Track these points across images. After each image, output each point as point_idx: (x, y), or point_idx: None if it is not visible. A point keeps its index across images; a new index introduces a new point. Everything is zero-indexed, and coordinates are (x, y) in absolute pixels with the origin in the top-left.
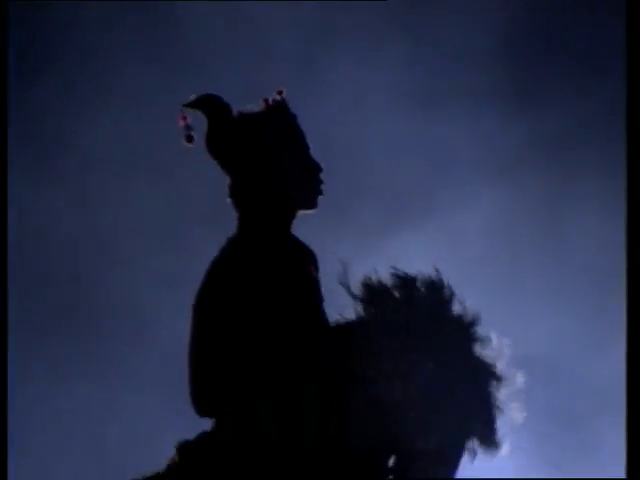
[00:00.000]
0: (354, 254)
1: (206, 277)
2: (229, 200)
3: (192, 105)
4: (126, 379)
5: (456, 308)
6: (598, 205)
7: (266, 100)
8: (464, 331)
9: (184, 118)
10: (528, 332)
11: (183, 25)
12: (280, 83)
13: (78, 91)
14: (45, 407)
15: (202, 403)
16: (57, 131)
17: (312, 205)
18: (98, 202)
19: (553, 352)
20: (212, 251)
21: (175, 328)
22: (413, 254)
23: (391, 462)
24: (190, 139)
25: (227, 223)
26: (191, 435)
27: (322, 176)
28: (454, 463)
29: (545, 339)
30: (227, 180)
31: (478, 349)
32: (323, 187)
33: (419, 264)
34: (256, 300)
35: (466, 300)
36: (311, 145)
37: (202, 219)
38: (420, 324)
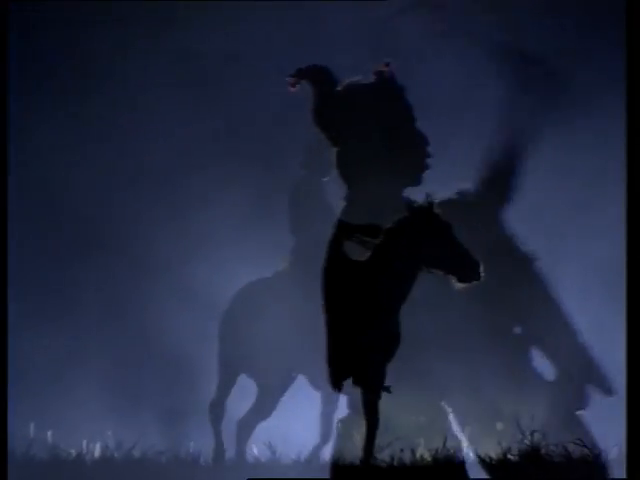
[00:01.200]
0: None
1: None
2: (337, 172)
3: (298, 75)
4: None
5: None
6: None
7: (376, 71)
8: None
9: (293, 85)
10: None
11: None
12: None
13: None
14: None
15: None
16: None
17: (417, 182)
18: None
19: None
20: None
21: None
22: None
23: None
24: (294, 85)
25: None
26: None
27: (429, 150)
28: None
29: None
30: (332, 152)
31: None
32: (429, 161)
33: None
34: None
35: None
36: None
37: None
38: None
